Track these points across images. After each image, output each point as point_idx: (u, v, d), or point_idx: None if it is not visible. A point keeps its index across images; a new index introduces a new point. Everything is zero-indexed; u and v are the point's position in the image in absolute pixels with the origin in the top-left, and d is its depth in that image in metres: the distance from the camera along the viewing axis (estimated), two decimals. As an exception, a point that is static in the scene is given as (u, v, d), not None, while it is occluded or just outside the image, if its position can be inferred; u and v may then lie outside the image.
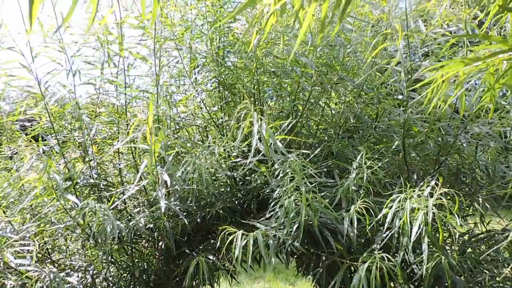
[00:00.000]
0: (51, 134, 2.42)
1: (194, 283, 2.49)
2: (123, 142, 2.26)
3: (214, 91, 2.80)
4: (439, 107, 2.10)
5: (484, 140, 2.33)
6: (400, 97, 2.28)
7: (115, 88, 2.57)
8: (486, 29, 1.92)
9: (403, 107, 2.28)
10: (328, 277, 2.15)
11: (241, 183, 2.51)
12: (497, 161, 2.36)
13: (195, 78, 2.66)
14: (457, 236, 2.33)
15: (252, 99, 2.71)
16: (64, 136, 2.51)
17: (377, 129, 2.57)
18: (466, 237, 2.43)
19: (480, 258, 2.03)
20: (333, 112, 2.79)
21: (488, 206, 2.47)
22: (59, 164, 2.32)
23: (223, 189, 2.43)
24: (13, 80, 2.37)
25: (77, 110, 2.42)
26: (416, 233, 1.69)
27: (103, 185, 2.47)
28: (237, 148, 2.21)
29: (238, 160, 2.29)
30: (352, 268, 2.08)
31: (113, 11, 2.36)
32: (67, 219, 2.32)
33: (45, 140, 2.43)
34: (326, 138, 2.70)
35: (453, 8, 2.36)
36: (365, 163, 2.01)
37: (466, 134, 2.31)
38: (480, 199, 2.47)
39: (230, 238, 1.86)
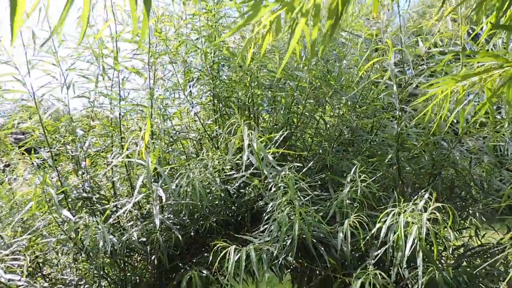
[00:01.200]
0: (44, 147, 2.41)
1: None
2: (119, 158, 2.24)
3: (209, 104, 2.80)
4: (434, 121, 2.10)
5: (478, 154, 2.33)
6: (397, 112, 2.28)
7: (110, 101, 2.57)
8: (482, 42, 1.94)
9: (396, 119, 2.28)
10: (323, 292, 2.13)
11: (235, 196, 2.50)
12: (492, 175, 2.36)
13: (190, 91, 2.67)
14: (451, 250, 2.32)
15: (246, 112, 2.71)
16: (57, 149, 2.49)
17: (372, 143, 2.57)
18: (461, 250, 2.41)
19: (475, 272, 2.01)
20: (327, 125, 2.79)
21: (484, 219, 2.46)
22: (52, 178, 2.30)
23: (217, 202, 2.41)
24: (7, 92, 2.37)
25: (71, 123, 2.42)
26: (410, 247, 1.68)
27: (96, 198, 2.45)
28: (231, 162, 2.20)
29: (231, 173, 2.28)
30: (347, 281, 2.06)
31: (109, 25, 2.38)
32: (59, 233, 2.30)
33: (38, 152, 2.41)
34: (320, 151, 2.70)
35: (446, 23, 2.37)
36: (360, 177, 2.01)
37: (461, 147, 2.31)
38: (476, 212, 2.46)
39: (224, 252, 1.84)
